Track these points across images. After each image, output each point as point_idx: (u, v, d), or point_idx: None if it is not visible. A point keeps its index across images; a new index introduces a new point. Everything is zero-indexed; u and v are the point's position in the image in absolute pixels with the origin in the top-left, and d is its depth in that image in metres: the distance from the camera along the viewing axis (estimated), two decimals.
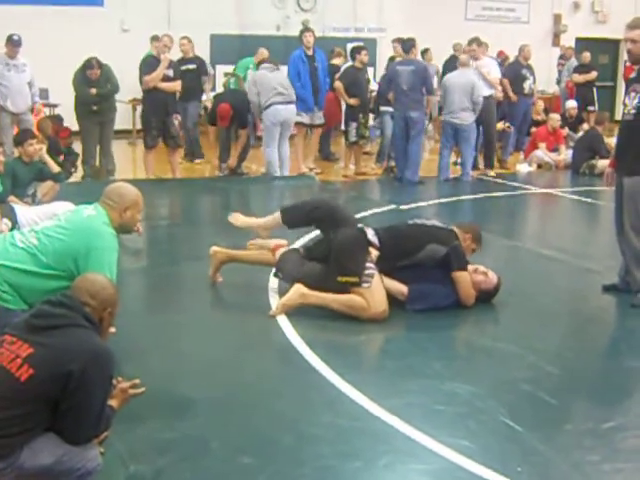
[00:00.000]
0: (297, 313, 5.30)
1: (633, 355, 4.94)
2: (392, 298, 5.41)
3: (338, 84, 11.39)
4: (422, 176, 11.11)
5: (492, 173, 11.69)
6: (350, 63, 12.01)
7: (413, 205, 9.43)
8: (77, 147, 10.50)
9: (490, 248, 6.73)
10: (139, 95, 11.19)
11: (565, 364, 4.78)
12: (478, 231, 6.00)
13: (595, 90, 16.11)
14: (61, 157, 9.55)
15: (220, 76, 14.84)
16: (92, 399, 2.89)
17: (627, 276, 5.99)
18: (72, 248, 4.04)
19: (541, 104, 14.26)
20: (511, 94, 12.52)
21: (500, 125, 12.64)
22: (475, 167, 11.79)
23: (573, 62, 16.59)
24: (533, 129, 13.33)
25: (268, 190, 10.59)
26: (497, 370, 4.66)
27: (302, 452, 3.62)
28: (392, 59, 12.12)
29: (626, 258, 5.97)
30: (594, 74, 15.92)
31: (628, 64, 16.15)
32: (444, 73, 13.36)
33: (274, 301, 5.57)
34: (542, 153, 12.68)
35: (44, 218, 5.67)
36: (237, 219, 6.12)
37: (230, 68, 13.84)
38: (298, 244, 6.46)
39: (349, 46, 12.84)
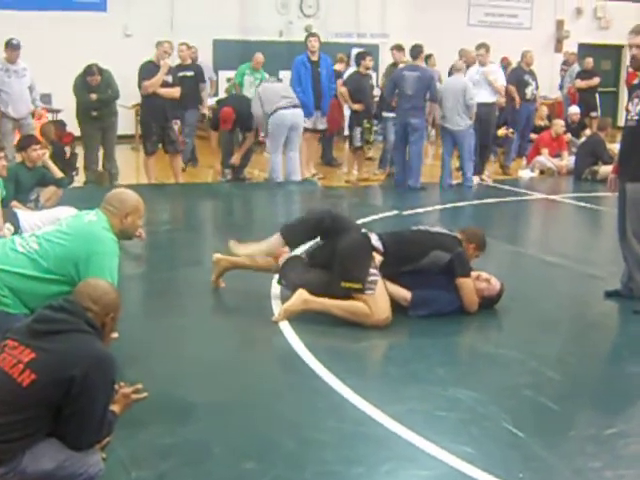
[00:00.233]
0: (300, 319, 5.29)
1: (635, 361, 4.93)
2: (395, 304, 5.40)
3: (343, 89, 11.40)
4: (425, 182, 11.10)
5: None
6: (353, 69, 12.01)
7: (416, 211, 9.43)
8: (79, 152, 10.51)
9: (493, 254, 6.73)
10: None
11: (567, 370, 4.78)
12: (482, 238, 5.95)
13: (598, 96, 16.11)
14: (67, 154, 9.65)
15: (223, 82, 14.87)
16: (94, 404, 2.89)
17: (629, 282, 5.98)
18: (73, 253, 4.04)
19: (544, 110, 14.25)
20: (517, 99, 12.55)
21: (502, 131, 12.64)
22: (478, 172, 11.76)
23: (575, 68, 16.59)
24: (532, 135, 13.34)
25: (270, 195, 10.59)
26: (499, 376, 4.65)
27: (304, 457, 3.62)
28: (394, 65, 12.12)
29: (628, 264, 5.96)
30: (597, 80, 15.92)
31: (631, 70, 16.17)
32: None
33: (277, 307, 5.56)
34: (545, 159, 12.67)
35: (47, 223, 5.68)
36: (237, 248, 5.94)
37: (233, 73, 13.84)
38: (300, 250, 6.44)
39: (354, 51, 12.84)
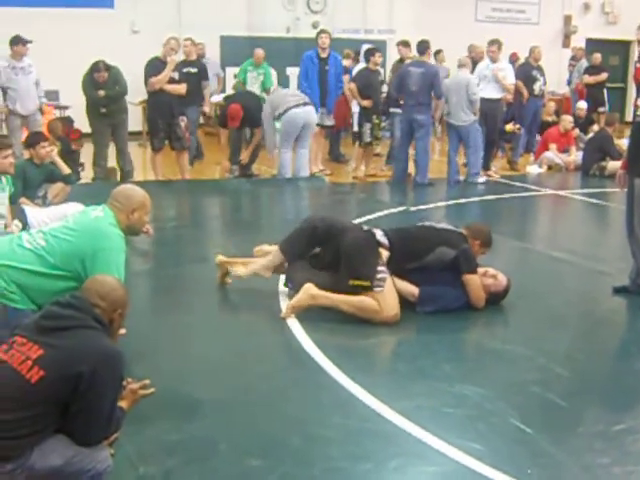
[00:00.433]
0: (307, 315, 5.29)
1: None
2: (402, 300, 5.39)
3: (352, 85, 11.38)
4: (432, 178, 11.10)
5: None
6: (361, 65, 11.99)
7: (423, 207, 9.42)
8: (88, 148, 10.52)
9: (500, 250, 6.72)
10: None
11: (575, 366, 4.76)
12: (487, 235, 5.92)
13: (605, 91, 16.07)
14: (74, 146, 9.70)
15: (230, 78, 14.87)
16: (102, 400, 2.89)
17: (638, 278, 5.97)
18: (79, 249, 4.05)
19: (552, 105, 14.22)
20: (526, 95, 12.52)
21: (510, 127, 12.62)
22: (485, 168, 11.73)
23: (583, 63, 16.56)
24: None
25: (278, 191, 10.60)
26: (507, 372, 4.64)
27: (311, 454, 3.62)
28: (401, 61, 12.11)
29: (637, 260, 5.95)
30: (604, 75, 15.88)
31: (639, 65, 16.21)
32: None
33: (284, 304, 5.56)
34: (553, 154, 12.64)
35: (55, 219, 5.69)
36: (238, 270, 5.89)
37: None
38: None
39: (363, 47, 12.82)
